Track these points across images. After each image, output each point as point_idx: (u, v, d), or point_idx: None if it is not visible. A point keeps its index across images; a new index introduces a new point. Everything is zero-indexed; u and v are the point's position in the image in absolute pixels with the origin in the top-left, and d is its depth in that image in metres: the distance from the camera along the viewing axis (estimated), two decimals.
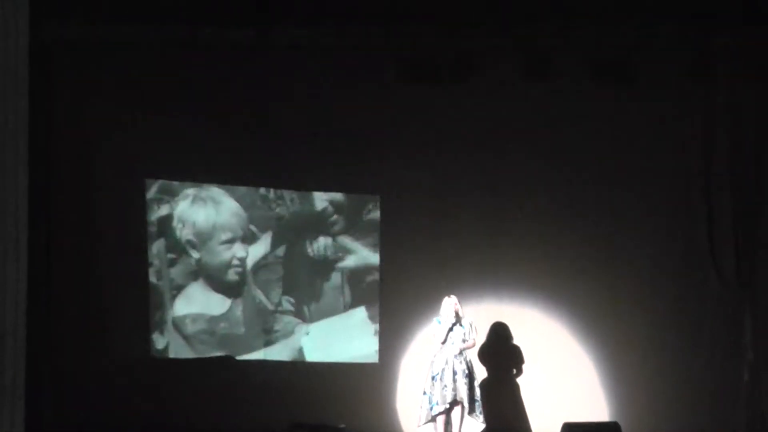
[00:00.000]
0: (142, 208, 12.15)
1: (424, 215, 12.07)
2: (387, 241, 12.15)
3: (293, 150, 12.12)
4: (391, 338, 12.02)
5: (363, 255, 12.27)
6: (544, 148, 12.11)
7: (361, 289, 12.25)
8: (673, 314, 11.98)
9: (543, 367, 11.84)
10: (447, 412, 10.93)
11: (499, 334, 11.79)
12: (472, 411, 10.91)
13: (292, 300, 12.24)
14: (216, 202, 12.24)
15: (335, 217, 12.27)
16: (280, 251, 12.27)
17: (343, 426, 10.60)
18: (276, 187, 12.23)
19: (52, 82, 12.03)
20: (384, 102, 12.04)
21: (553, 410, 11.51)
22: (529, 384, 11.80)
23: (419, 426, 11.11)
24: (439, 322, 11.05)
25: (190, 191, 12.25)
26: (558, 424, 10.89)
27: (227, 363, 12.08)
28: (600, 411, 11.76)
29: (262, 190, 12.27)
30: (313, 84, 11.99)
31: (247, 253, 12.23)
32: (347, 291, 12.27)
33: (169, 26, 11.78)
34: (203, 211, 12.24)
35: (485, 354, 11.64)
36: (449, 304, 11.03)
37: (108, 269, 12.14)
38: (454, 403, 10.89)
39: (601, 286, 11.99)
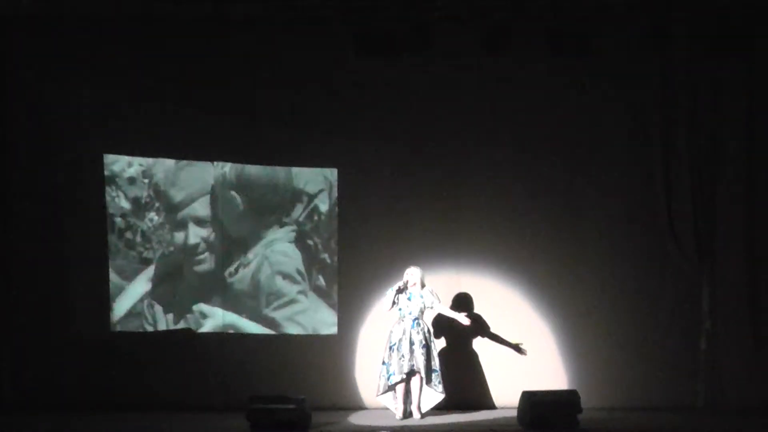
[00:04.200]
0: (100, 182, 12.10)
1: (382, 188, 12.09)
2: (345, 214, 12.16)
3: (250, 124, 12.11)
4: (350, 310, 12.05)
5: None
6: (503, 120, 12.13)
7: None
8: (632, 285, 12.09)
9: (503, 336, 11.89)
10: (406, 382, 10.98)
11: (461, 305, 11.83)
12: (428, 381, 10.96)
13: None
14: None
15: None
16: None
17: (303, 397, 10.58)
18: (233, 161, 12.18)
19: (7, 56, 12.03)
20: (341, 75, 12.03)
21: (513, 379, 11.61)
22: (489, 353, 11.90)
23: (378, 396, 11.17)
24: None
25: None
26: (517, 393, 10.91)
27: (187, 336, 12.08)
28: (559, 380, 11.85)
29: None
30: (269, 58, 11.97)
31: None
32: None
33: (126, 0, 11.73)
34: None
35: (445, 324, 11.69)
36: (406, 272, 11.10)
37: (67, 246, 12.08)
38: (411, 373, 10.94)
39: (561, 256, 12.07)
